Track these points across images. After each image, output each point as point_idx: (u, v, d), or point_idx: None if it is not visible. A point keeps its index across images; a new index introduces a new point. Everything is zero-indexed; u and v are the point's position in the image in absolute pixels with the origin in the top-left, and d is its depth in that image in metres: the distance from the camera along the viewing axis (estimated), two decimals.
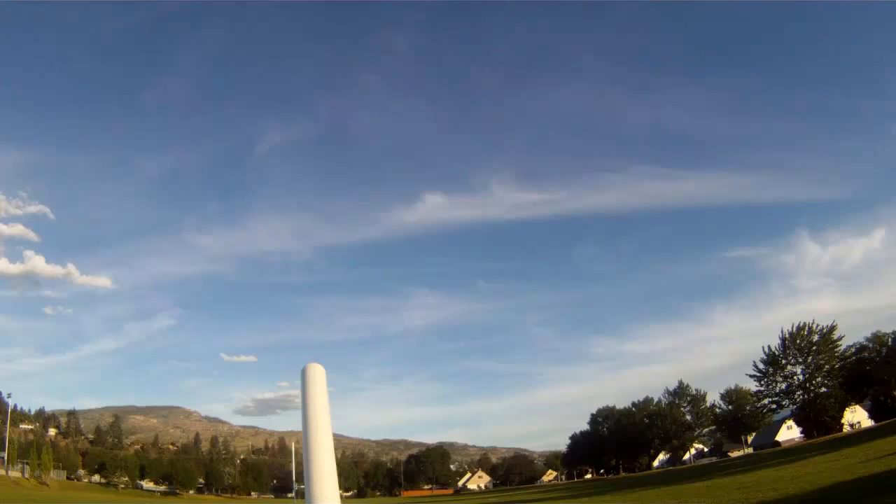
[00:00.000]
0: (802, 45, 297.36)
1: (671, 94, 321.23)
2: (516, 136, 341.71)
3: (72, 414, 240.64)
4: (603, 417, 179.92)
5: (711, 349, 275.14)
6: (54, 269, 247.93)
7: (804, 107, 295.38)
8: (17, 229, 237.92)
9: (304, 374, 3.12)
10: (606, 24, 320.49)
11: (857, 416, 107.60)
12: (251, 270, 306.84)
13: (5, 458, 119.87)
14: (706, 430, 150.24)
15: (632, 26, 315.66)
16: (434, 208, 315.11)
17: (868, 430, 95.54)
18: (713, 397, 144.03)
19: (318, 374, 3.18)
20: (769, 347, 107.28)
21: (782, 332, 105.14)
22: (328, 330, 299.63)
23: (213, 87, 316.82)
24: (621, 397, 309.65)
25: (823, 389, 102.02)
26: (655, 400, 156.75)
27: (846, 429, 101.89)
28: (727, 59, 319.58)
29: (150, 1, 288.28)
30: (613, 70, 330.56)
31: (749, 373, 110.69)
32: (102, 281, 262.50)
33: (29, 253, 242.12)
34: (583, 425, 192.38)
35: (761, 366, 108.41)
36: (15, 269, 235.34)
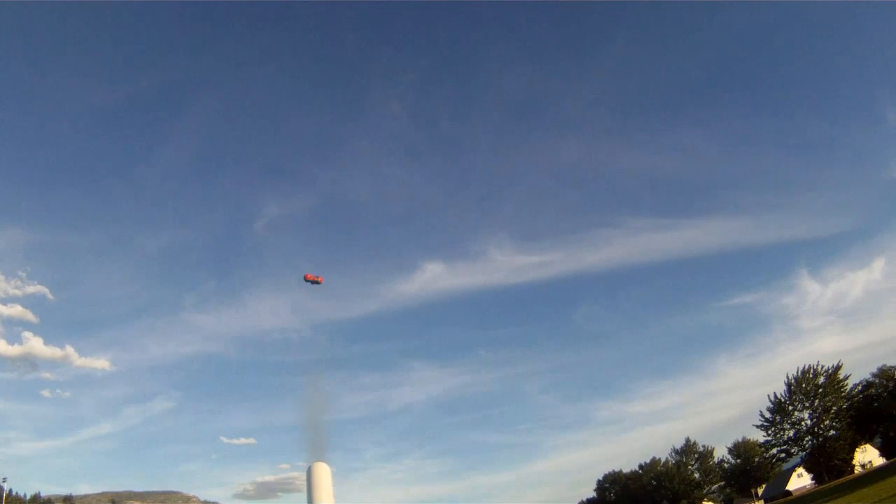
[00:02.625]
0: (787, 78, 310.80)
1: (662, 141, 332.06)
2: (512, 197, 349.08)
3: (68, 499, 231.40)
4: (610, 483, 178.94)
5: (717, 402, 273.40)
6: (53, 351, 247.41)
7: (793, 141, 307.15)
8: (16, 310, 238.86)
9: (309, 474, 3.91)
10: (595, 75, 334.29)
11: (867, 456, 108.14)
12: (250, 349, 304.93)
13: None
14: (715, 486, 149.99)
15: (620, 74, 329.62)
16: (433, 277, 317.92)
17: (879, 469, 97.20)
18: (721, 452, 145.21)
19: (324, 474, 3.85)
20: (775, 395, 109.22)
21: (787, 377, 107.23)
22: (328, 409, 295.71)
23: (211, 160, 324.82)
24: (628, 460, 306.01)
25: (832, 432, 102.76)
26: (662, 460, 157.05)
27: (857, 469, 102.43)
28: (715, 100, 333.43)
29: (144, 74, 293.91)
30: (605, 121, 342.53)
31: (756, 423, 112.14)
32: (101, 363, 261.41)
33: (28, 334, 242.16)
34: (590, 492, 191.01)
35: (768, 415, 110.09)
36: (13, 350, 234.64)
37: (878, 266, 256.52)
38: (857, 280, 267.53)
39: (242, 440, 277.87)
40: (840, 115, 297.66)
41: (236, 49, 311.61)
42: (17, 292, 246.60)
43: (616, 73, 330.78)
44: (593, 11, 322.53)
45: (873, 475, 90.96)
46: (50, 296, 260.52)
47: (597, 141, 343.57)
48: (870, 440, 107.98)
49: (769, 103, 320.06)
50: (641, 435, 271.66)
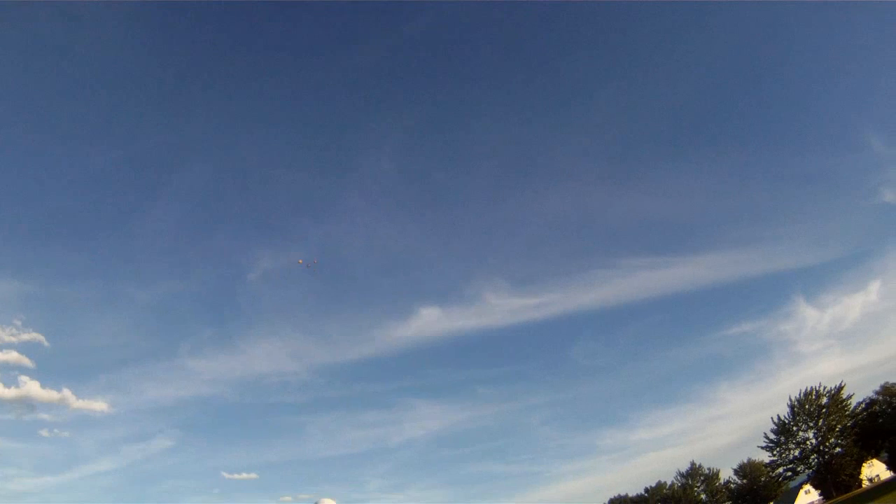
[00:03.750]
0: (772, 114, 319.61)
1: (654, 183, 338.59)
2: (506, 244, 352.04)
3: None
4: None
5: (720, 427, 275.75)
6: (50, 394, 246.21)
7: (782, 174, 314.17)
8: (12, 356, 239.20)
9: None
10: (583, 124, 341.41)
11: (875, 470, 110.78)
12: (248, 392, 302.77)
13: None
14: None
15: (608, 121, 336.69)
16: (429, 322, 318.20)
17: (887, 483, 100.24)
18: (727, 474, 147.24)
19: None
20: (778, 417, 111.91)
21: (790, 399, 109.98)
22: (330, 445, 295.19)
23: (203, 218, 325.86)
24: (633, 485, 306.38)
25: (838, 450, 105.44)
26: (668, 483, 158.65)
27: (865, 484, 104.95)
28: (703, 140, 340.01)
29: (138, 136, 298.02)
30: (596, 168, 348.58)
31: (761, 444, 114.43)
32: (99, 405, 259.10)
33: (24, 378, 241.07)
34: None
35: (772, 436, 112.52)
36: (10, 393, 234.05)
37: (874, 288, 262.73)
38: (854, 303, 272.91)
39: (244, 475, 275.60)
40: (826, 147, 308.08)
41: (227, 111, 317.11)
42: (13, 339, 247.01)
43: (605, 121, 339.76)
44: (579, 62, 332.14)
45: (881, 488, 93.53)
46: (46, 343, 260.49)
47: (589, 187, 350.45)
48: (876, 455, 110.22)
49: (756, 139, 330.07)
50: (646, 461, 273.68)
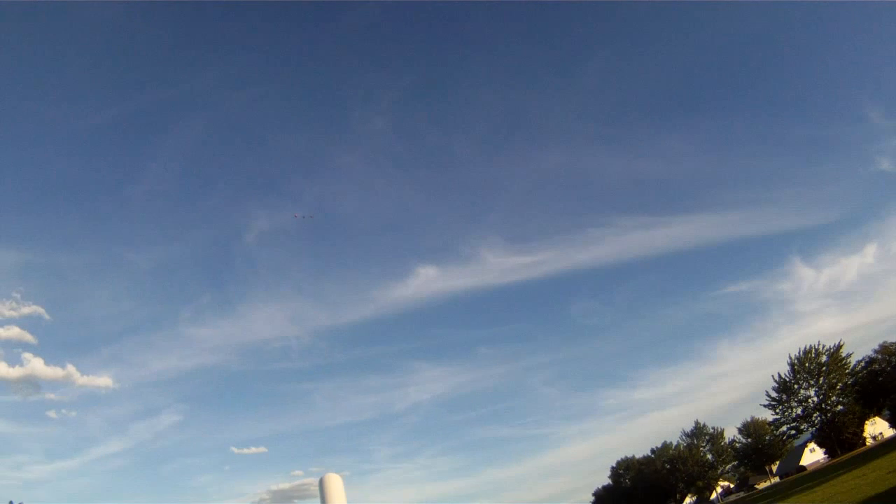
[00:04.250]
0: (770, 81, 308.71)
1: (648, 145, 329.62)
2: (501, 202, 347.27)
3: None
4: (624, 469, 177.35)
5: (722, 385, 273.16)
6: (54, 371, 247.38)
7: (778, 141, 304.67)
8: (14, 332, 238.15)
9: (321, 485, 2.68)
10: (577, 85, 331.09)
11: (878, 428, 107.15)
12: (252, 359, 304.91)
13: None
14: (729, 466, 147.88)
15: (602, 82, 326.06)
16: (427, 281, 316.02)
17: (891, 440, 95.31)
18: (731, 433, 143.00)
19: (335, 485, 2.74)
20: (779, 375, 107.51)
21: (790, 357, 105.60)
22: (335, 413, 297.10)
23: (198, 178, 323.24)
24: (639, 446, 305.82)
25: (840, 408, 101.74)
26: (674, 444, 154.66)
27: (869, 442, 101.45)
28: (698, 104, 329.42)
29: (129, 96, 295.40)
30: (589, 129, 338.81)
31: (763, 402, 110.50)
32: (104, 381, 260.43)
33: (28, 356, 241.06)
34: (604, 479, 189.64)
35: (774, 394, 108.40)
36: (15, 373, 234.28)
37: (871, 251, 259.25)
38: (851, 265, 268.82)
39: (253, 449, 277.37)
40: (823, 116, 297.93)
41: (220, 70, 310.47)
42: (14, 314, 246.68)
43: (599, 82, 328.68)
44: (574, 22, 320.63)
45: (886, 446, 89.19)
46: (46, 316, 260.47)
47: (582, 148, 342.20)
48: (878, 413, 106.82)
49: (752, 105, 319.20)
50: (650, 421, 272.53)
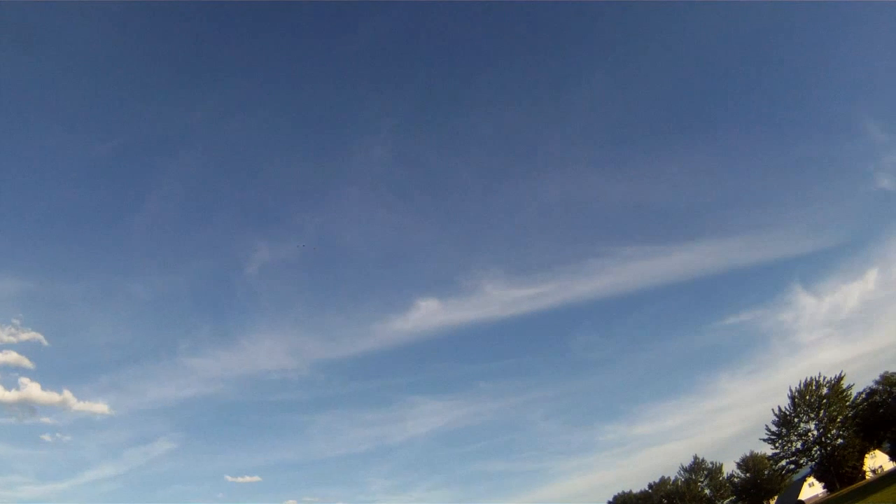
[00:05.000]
0: (767, 99, 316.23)
1: (648, 170, 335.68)
2: (502, 233, 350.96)
3: None
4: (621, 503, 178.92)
5: (722, 419, 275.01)
6: (50, 396, 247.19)
7: (778, 161, 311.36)
8: (12, 357, 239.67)
9: None
10: (576, 111, 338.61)
11: (878, 461, 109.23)
12: (249, 390, 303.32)
13: None
14: (727, 501, 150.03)
15: (601, 107, 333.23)
16: (428, 314, 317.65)
17: (891, 473, 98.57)
18: (730, 467, 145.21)
19: None
20: (779, 408, 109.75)
21: (791, 390, 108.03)
22: (332, 444, 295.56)
23: (198, 210, 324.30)
24: (637, 480, 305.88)
25: (840, 441, 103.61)
26: (672, 479, 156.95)
27: (869, 475, 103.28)
28: (697, 127, 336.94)
29: (130, 127, 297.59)
30: (589, 155, 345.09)
31: (763, 437, 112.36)
32: (99, 407, 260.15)
33: (24, 380, 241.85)
34: None
35: (774, 428, 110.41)
36: (11, 396, 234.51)
37: (872, 277, 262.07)
38: (852, 292, 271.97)
39: (248, 478, 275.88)
40: (822, 133, 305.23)
41: (219, 100, 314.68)
42: (12, 339, 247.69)
43: (597, 107, 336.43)
44: (572, 48, 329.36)
45: (885, 479, 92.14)
46: (45, 342, 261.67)
47: (583, 174, 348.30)
48: (878, 446, 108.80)
49: (751, 126, 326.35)
50: (648, 455, 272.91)
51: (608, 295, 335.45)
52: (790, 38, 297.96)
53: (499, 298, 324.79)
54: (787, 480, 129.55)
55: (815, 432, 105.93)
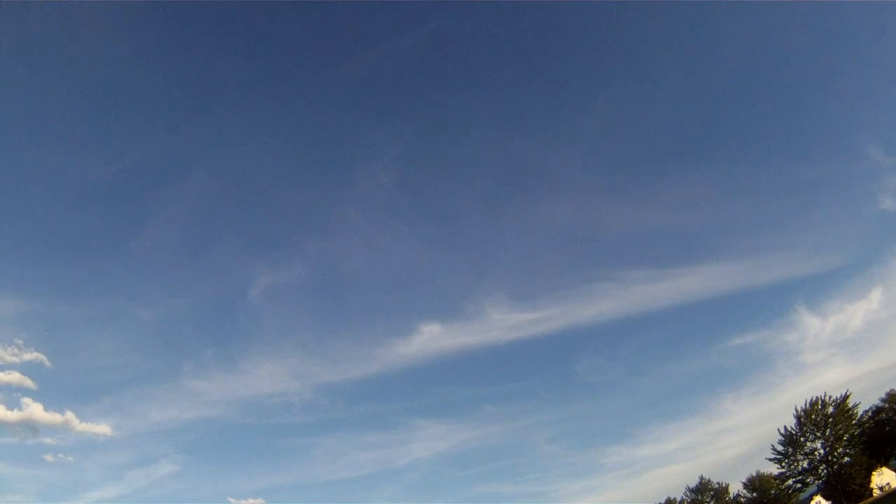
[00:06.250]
0: (771, 123, 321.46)
1: (652, 194, 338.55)
2: (506, 258, 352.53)
3: None
4: None
5: (727, 440, 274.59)
6: (53, 417, 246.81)
7: (782, 184, 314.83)
8: (14, 377, 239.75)
9: None
10: (580, 135, 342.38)
11: (885, 478, 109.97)
12: (252, 413, 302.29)
13: None
14: None
15: (605, 132, 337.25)
16: (431, 338, 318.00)
17: None
18: (736, 488, 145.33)
19: None
20: (785, 428, 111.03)
21: (796, 410, 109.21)
22: (335, 467, 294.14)
23: (202, 233, 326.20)
24: (643, 502, 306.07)
25: (847, 459, 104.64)
26: (678, 499, 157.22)
27: (876, 493, 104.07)
28: (702, 150, 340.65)
29: (135, 149, 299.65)
30: (593, 179, 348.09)
31: (769, 457, 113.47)
32: (102, 428, 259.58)
33: (27, 400, 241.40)
34: None
35: (780, 447, 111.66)
36: (13, 416, 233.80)
37: (876, 296, 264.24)
38: (857, 311, 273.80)
39: (251, 501, 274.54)
40: (824, 155, 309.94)
41: (223, 125, 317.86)
42: (15, 359, 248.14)
43: (601, 132, 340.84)
44: (577, 72, 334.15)
45: (893, 496, 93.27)
46: (48, 363, 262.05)
47: (587, 199, 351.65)
48: (885, 463, 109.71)
49: (754, 150, 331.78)
50: (653, 477, 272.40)
51: (612, 318, 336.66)
52: (793, 63, 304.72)
53: (503, 322, 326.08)
54: (794, 500, 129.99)
55: (822, 451, 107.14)
